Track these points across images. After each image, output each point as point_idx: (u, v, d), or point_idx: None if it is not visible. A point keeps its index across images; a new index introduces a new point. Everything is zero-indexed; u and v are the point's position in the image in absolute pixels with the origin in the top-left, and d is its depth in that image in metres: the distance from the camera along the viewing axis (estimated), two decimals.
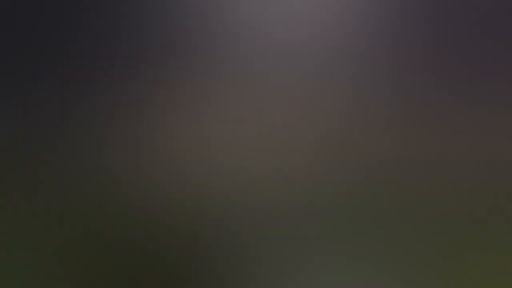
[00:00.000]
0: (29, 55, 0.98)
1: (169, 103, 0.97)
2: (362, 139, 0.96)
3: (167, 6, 0.97)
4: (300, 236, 0.96)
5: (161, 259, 0.98)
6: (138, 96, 0.97)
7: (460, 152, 0.95)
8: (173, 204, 0.97)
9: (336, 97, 0.96)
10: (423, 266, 0.96)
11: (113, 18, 0.97)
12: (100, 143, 0.98)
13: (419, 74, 0.95)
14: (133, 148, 0.97)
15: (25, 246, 0.99)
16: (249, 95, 0.96)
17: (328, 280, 0.96)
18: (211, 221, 0.97)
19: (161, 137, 0.97)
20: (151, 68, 0.97)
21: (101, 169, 0.98)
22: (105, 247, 0.98)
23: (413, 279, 0.96)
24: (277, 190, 0.96)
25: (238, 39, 0.97)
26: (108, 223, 0.98)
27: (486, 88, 0.95)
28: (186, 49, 0.97)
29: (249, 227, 0.97)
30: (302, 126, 0.96)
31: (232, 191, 0.97)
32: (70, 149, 0.98)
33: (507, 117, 0.94)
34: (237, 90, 0.97)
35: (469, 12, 0.95)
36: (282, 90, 0.96)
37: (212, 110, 0.97)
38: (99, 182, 0.98)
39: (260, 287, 0.97)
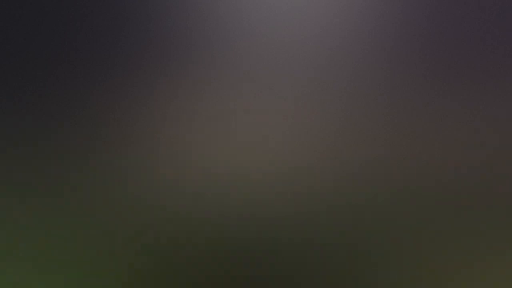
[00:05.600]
0: (29, 55, 0.98)
1: (168, 103, 0.97)
2: (362, 140, 0.96)
3: (167, 6, 0.97)
4: (300, 236, 0.97)
5: (160, 259, 0.98)
6: (138, 96, 0.97)
7: (460, 152, 0.95)
8: (173, 204, 0.97)
9: (336, 97, 0.96)
10: (423, 266, 0.96)
11: (113, 18, 0.97)
12: (99, 143, 0.98)
13: (419, 74, 0.95)
14: (132, 148, 0.97)
15: (25, 246, 0.99)
16: (249, 95, 0.97)
17: (329, 280, 0.97)
18: (210, 221, 0.97)
19: (161, 137, 0.97)
20: (151, 68, 0.97)
21: (100, 169, 0.98)
22: (103, 247, 0.98)
23: (413, 279, 0.96)
24: (277, 190, 0.96)
25: (238, 39, 0.97)
26: (107, 224, 0.98)
27: (487, 88, 0.95)
28: (186, 49, 0.97)
29: (249, 227, 0.97)
30: (302, 126, 0.96)
31: (232, 192, 0.97)
32: (69, 149, 0.98)
33: (507, 117, 0.94)
34: (237, 90, 0.97)
35: (469, 12, 0.95)
36: (282, 90, 0.96)
37: (212, 110, 0.97)
38: (99, 182, 0.98)
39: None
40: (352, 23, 0.96)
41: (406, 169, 0.95)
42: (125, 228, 0.98)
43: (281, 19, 0.96)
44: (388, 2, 0.95)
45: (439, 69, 0.95)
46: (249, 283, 0.97)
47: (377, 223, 0.96)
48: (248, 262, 0.97)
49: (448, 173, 0.95)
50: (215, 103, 0.97)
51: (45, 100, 0.98)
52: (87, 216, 0.98)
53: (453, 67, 0.95)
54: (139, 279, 0.98)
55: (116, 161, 0.97)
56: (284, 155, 0.96)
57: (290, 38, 0.96)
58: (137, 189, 0.97)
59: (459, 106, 0.95)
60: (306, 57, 0.96)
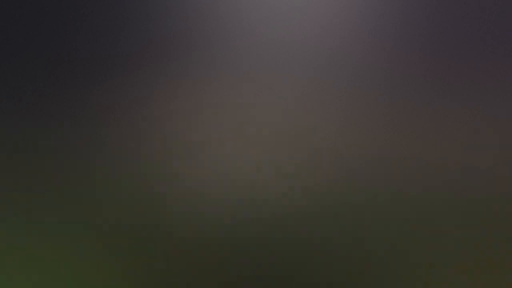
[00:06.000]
0: (29, 55, 0.98)
1: (168, 103, 0.97)
2: (362, 140, 0.96)
3: (167, 6, 0.97)
4: (299, 235, 0.96)
5: (160, 259, 0.98)
6: (138, 96, 0.97)
7: (460, 152, 0.95)
8: (173, 203, 0.97)
9: (336, 97, 0.96)
10: (424, 266, 0.96)
11: (113, 18, 0.97)
12: (99, 143, 0.98)
13: (419, 74, 0.95)
14: (132, 148, 0.97)
15: (24, 246, 0.99)
16: (249, 95, 0.96)
17: (329, 280, 0.97)
18: (210, 220, 0.97)
19: (161, 137, 0.97)
20: (151, 68, 0.97)
21: (100, 169, 0.98)
22: (102, 247, 0.98)
23: (413, 279, 0.96)
24: (277, 190, 0.96)
25: (238, 39, 0.97)
26: (107, 223, 0.98)
27: (487, 88, 0.95)
28: (186, 49, 0.97)
29: (248, 226, 0.97)
30: (302, 126, 0.96)
31: (232, 191, 0.97)
32: (70, 149, 0.98)
33: (507, 117, 0.94)
34: (237, 90, 0.97)
35: (469, 12, 0.95)
36: (282, 90, 0.96)
37: (212, 110, 0.97)
38: (99, 182, 0.98)
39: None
40: (352, 23, 0.96)
41: (406, 169, 0.95)
42: (125, 227, 0.98)
43: (281, 19, 0.96)
44: (388, 2, 0.95)
45: (439, 69, 0.95)
46: (249, 283, 0.97)
47: (377, 223, 0.96)
48: (249, 261, 0.97)
49: (448, 173, 0.95)
50: (215, 103, 0.97)
51: (45, 100, 0.98)
52: (87, 216, 0.98)
53: (453, 67, 0.95)
54: (140, 279, 0.98)
55: (116, 161, 0.97)
56: (284, 154, 0.96)
57: (290, 38, 0.96)
58: (137, 188, 0.97)
59: (459, 106, 0.95)
60: (306, 57, 0.96)
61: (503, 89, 0.94)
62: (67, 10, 0.98)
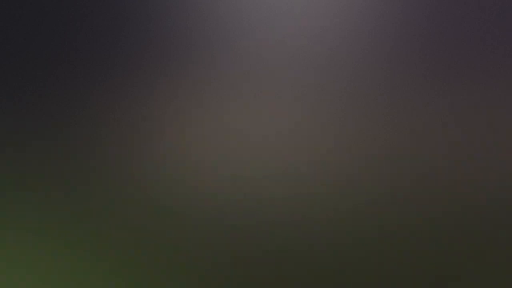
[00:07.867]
0: (29, 55, 0.98)
1: (168, 103, 0.97)
2: (362, 140, 0.96)
3: (167, 6, 0.97)
4: (298, 235, 0.97)
5: (158, 260, 0.98)
6: (138, 96, 0.97)
7: (460, 152, 0.95)
8: (172, 204, 0.97)
9: (336, 97, 0.96)
10: (423, 266, 0.96)
11: (113, 18, 0.97)
12: (99, 143, 0.98)
13: (419, 74, 0.95)
14: (132, 148, 0.98)
15: (22, 247, 0.99)
16: (249, 95, 0.97)
17: (328, 280, 0.97)
18: (210, 220, 0.97)
19: (161, 137, 0.97)
20: (151, 68, 0.97)
21: (100, 169, 0.98)
22: (101, 248, 0.98)
23: (414, 279, 0.96)
24: (277, 190, 0.97)
25: (238, 39, 0.97)
26: (106, 224, 0.98)
27: (487, 88, 0.95)
28: (186, 49, 0.97)
29: (248, 227, 0.97)
30: (302, 126, 0.96)
31: (231, 191, 0.97)
32: (70, 149, 0.98)
33: (507, 117, 0.94)
34: (237, 90, 0.97)
35: (469, 12, 0.95)
36: (282, 90, 0.96)
37: (212, 110, 0.97)
38: (99, 182, 0.98)
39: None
40: (352, 23, 0.96)
41: (406, 169, 0.95)
42: (125, 227, 0.98)
43: (281, 19, 0.96)
44: (388, 2, 0.95)
45: (439, 69, 0.95)
46: (248, 284, 0.97)
47: (377, 223, 0.96)
48: (246, 262, 0.97)
49: (448, 173, 0.95)
50: (215, 103, 0.97)
51: (45, 100, 0.98)
52: (86, 216, 0.98)
53: (453, 67, 0.95)
54: (140, 279, 0.98)
55: (116, 161, 0.97)
56: (284, 154, 0.96)
57: (290, 38, 0.96)
58: (137, 188, 0.97)
59: (459, 106, 0.95)
60: (306, 57, 0.96)
61: (503, 89, 0.94)
62: (67, 10, 0.98)
